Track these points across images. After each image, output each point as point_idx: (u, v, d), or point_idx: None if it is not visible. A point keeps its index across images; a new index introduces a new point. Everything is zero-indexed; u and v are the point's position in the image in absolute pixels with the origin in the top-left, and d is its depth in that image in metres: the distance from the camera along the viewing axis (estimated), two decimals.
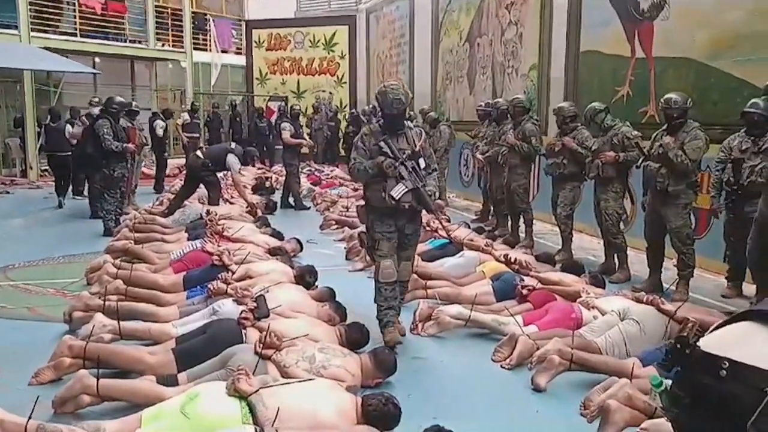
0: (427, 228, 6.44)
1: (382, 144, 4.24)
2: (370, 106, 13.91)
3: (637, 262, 6.37)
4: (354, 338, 4.10)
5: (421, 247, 6.04)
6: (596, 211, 6.51)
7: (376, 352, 3.77)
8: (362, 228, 4.92)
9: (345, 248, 7.28)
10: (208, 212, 7.41)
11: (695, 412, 1.53)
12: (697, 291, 5.79)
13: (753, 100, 5.35)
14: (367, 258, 5.61)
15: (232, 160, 8.67)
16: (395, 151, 4.22)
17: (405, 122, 4.43)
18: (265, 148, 18.23)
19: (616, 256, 6.47)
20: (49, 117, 11.58)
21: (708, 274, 6.35)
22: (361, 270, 6.51)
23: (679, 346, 1.49)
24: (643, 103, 7.54)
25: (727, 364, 1.41)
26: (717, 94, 6.48)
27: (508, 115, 7.92)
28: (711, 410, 1.48)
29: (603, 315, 4.35)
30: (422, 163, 4.31)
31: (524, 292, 4.95)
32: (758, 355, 1.40)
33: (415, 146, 4.31)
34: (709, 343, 1.49)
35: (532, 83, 10.06)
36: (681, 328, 1.77)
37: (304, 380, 3.18)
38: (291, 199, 10.88)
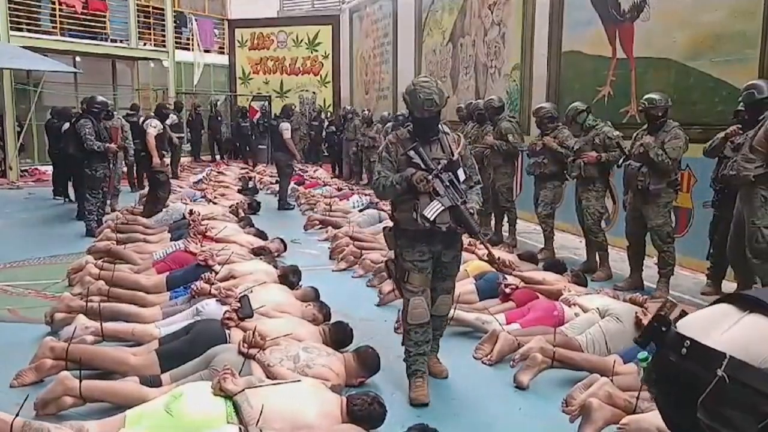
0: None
1: (411, 153, 3.54)
2: (389, 113, 13.45)
3: (619, 260, 6.44)
4: (338, 337, 4.11)
5: None
6: (578, 210, 6.57)
7: (359, 351, 3.78)
8: (389, 254, 4.10)
9: (329, 248, 7.29)
10: (191, 212, 7.39)
11: (661, 388, 1.59)
12: (678, 289, 5.87)
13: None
14: (395, 291, 4.55)
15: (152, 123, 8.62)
16: (428, 161, 3.52)
17: (440, 126, 3.67)
18: (248, 148, 18.21)
19: (597, 254, 6.53)
20: (50, 116, 11.48)
21: (688, 272, 6.43)
22: (344, 269, 6.53)
23: (656, 324, 1.55)
24: (624, 102, 7.62)
25: (689, 343, 1.47)
26: (696, 94, 6.57)
27: (486, 116, 7.98)
28: (672, 387, 1.54)
29: (585, 312, 4.39)
30: (461, 174, 3.59)
31: (507, 290, 4.99)
32: (720, 337, 1.45)
33: (453, 155, 3.59)
34: (683, 324, 1.55)
35: (515, 83, 10.12)
36: (660, 307, 1.81)
37: (290, 381, 3.19)
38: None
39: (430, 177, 3.47)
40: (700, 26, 6.55)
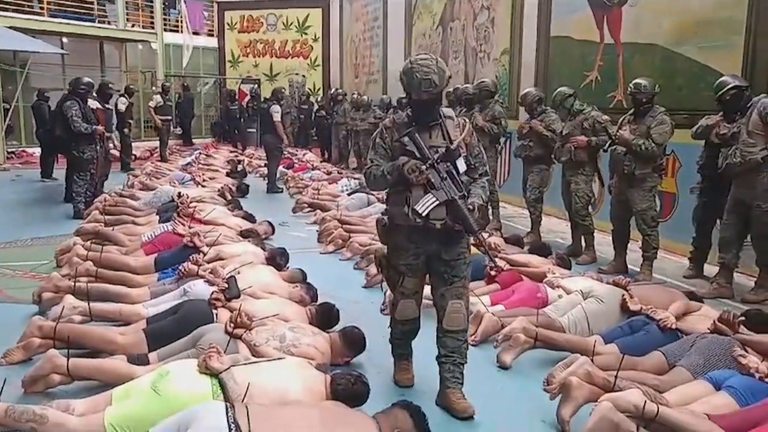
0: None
1: (405, 140, 3.18)
2: (388, 97, 13.09)
3: (604, 243, 6.51)
4: (324, 318, 4.16)
5: None
6: (565, 193, 6.63)
7: (345, 331, 3.83)
8: (378, 246, 3.71)
9: (317, 231, 7.33)
10: (179, 195, 7.39)
11: None
12: (661, 272, 5.96)
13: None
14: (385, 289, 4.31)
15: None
16: (424, 149, 3.14)
17: (441, 110, 3.29)
18: (237, 132, 18.16)
19: (583, 238, 6.60)
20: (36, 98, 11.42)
21: (671, 255, 6.52)
22: (332, 252, 6.58)
23: None
24: (611, 87, 7.67)
25: None
26: (682, 80, 6.63)
27: (476, 100, 7.99)
28: None
29: (568, 294, 4.46)
30: (461, 165, 3.19)
31: (492, 273, 5.04)
32: None
33: (451, 141, 3.21)
34: None
35: (504, 68, 10.14)
36: None
37: (275, 359, 3.24)
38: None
39: (425, 167, 3.09)
40: (687, 12, 6.59)
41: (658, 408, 2.71)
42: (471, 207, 3.14)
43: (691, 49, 6.54)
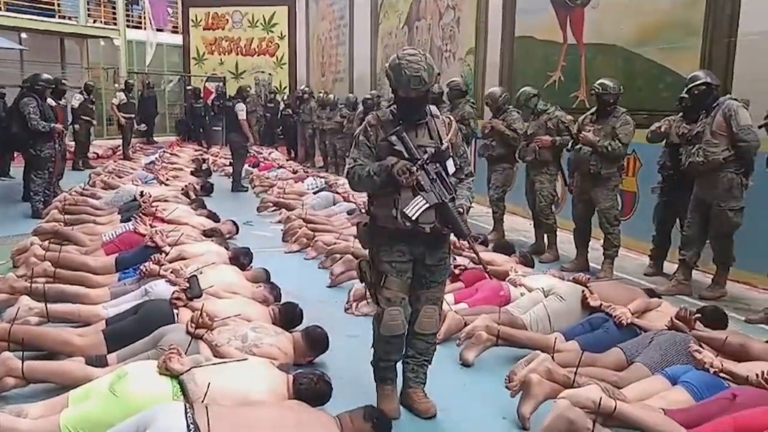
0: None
1: (393, 139, 3.02)
2: (354, 96, 12.72)
3: (566, 242, 6.59)
4: (288, 317, 4.14)
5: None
6: (529, 192, 6.70)
7: (308, 330, 3.82)
8: (354, 243, 3.68)
9: (282, 230, 7.29)
10: (141, 194, 7.29)
11: None
12: (621, 270, 6.05)
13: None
14: (368, 299, 4.02)
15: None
16: (412, 149, 3.01)
17: (429, 108, 3.17)
18: (202, 130, 17.97)
19: (546, 236, 6.68)
20: None
21: (632, 253, 6.64)
22: (296, 251, 6.56)
23: None
24: (574, 87, 7.78)
25: None
26: (642, 81, 6.75)
27: (445, 99, 8.02)
28: None
29: (530, 292, 4.51)
30: (451, 166, 3.09)
31: (456, 271, 5.07)
32: None
33: (442, 142, 3.09)
34: None
35: (469, 67, 10.20)
36: None
37: (237, 360, 3.21)
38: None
39: (414, 168, 2.95)
40: (647, 14, 6.71)
41: (615, 403, 2.75)
42: (460, 210, 3.05)
43: (650, 50, 6.67)
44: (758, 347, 3.48)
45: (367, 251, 3.31)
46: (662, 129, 5.65)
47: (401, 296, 3.15)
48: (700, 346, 3.44)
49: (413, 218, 2.99)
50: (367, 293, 3.46)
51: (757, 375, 2.85)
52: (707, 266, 5.65)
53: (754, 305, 5.12)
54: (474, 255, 5.28)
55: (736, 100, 5.03)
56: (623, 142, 5.65)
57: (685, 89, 5.35)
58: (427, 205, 2.99)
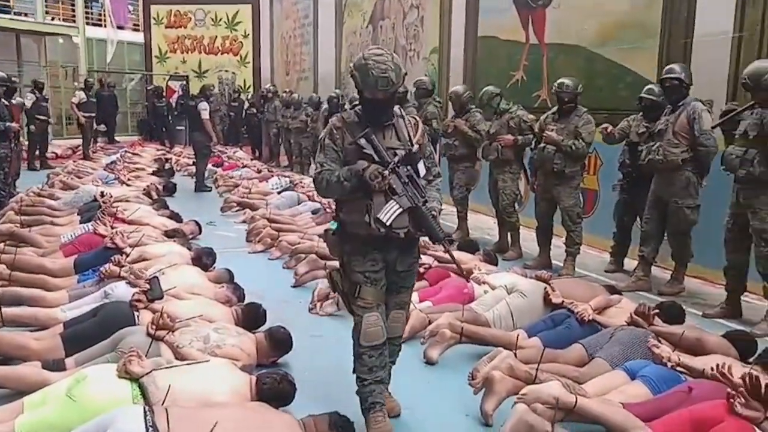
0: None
1: (362, 142, 2.90)
2: (317, 95, 12.73)
3: (529, 239, 6.66)
4: (251, 318, 4.11)
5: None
6: (492, 191, 6.75)
7: (271, 330, 3.79)
8: (316, 242, 3.53)
9: (245, 230, 7.23)
10: (102, 194, 7.18)
11: None
12: (583, 267, 6.14)
13: (649, 86, 5.68)
14: (339, 304, 3.78)
15: None
16: (382, 152, 2.89)
17: (395, 109, 3.04)
18: (164, 129, 17.74)
19: (509, 234, 6.74)
20: None
21: (593, 250, 6.73)
22: (261, 252, 6.51)
23: None
24: (536, 87, 7.86)
25: None
26: (602, 80, 6.85)
27: (411, 98, 8.02)
28: None
29: (493, 290, 4.54)
30: (422, 168, 3.01)
31: (420, 270, 5.08)
32: None
33: (411, 143, 2.99)
34: None
35: (433, 67, 10.24)
36: None
37: (199, 361, 3.18)
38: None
39: (387, 172, 2.83)
40: (606, 15, 6.82)
41: (576, 399, 2.79)
42: (434, 213, 2.96)
43: (611, 50, 6.77)
44: (714, 341, 3.57)
45: (336, 259, 3.18)
46: (609, 130, 5.75)
47: (377, 303, 3.04)
48: (659, 340, 3.52)
49: (387, 224, 2.87)
50: (340, 302, 3.30)
51: (711, 368, 2.91)
52: (666, 262, 5.77)
53: (710, 300, 5.24)
54: (440, 254, 5.38)
55: (701, 102, 5.13)
56: (586, 141, 5.74)
57: (659, 79, 5.41)
58: (401, 210, 2.89)
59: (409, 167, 2.93)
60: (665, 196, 5.29)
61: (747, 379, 2.55)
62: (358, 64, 2.87)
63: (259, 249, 6.57)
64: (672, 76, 5.21)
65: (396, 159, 2.90)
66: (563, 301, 4.18)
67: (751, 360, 3.39)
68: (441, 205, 3.11)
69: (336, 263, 3.22)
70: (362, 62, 2.85)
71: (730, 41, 5.45)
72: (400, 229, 2.92)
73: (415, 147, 2.98)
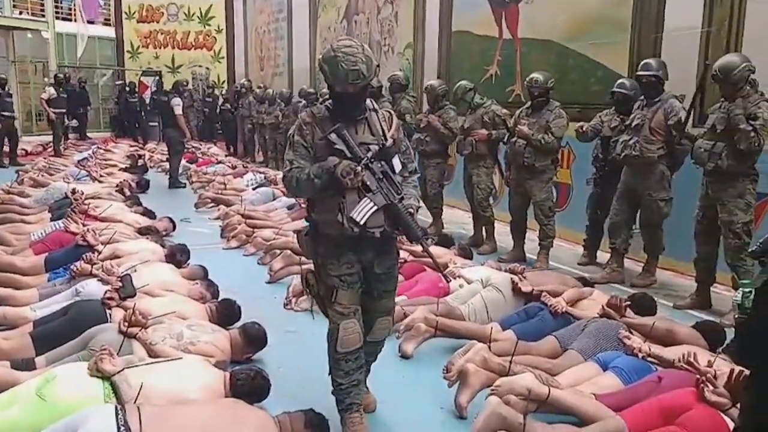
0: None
1: (333, 138, 2.76)
2: (287, 91, 12.78)
3: (504, 233, 6.70)
4: (225, 314, 4.08)
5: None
6: (467, 185, 6.77)
7: (245, 327, 3.78)
8: (294, 244, 3.35)
9: (220, 226, 7.18)
10: (73, 191, 7.07)
11: None
12: (557, 260, 6.20)
13: (621, 80, 5.74)
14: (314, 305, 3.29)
15: None
16: (354, 147, 2.75)
17: (367, 102, 2.90)
18: (137, 125, 17.56)
19: (484, 228, 6.78)
20: None
21: (566, 243, 6.80)
22: (235, 248, 6.48)
23: None
24: (510, 82, 7.90)
25: None
26: (575, 75, 6.91)
27: (385, 93, 8.03)
28: None
29: (468, 284, 4.56)
30: (397, 163, 2.86)
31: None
32: None
33: (386, 138, 2.85)
34: None
35: (408, 62, 10.24)
36: None
37: (172, 359, 3.16)
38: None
39: (359, 168, 2.70)
40: (579, 10, 6.87)
41: (548, 390, 2.82)
42: (411, 210, 2.82)
43: (583, 45, 6.83)
44: (684, 332, 3.63)
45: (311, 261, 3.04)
46: (584, 128, 5.80)
47: (354, 307, 2.91)
48: (630, 332, 3.57)
49: (361, 223, 2.74)
50: (314, 304, 3.18)
51: (680, 357, 2.96)
52: (638, 255, 5.84)
53: (681, 291, 5.32)
54: (415, 249, 5.38)
55: (676, 97, 5.19)
56: (556, 136, 5.78)
57: (635, 75, 5.45)
58: (376, 208, 2.75)
59: (383, 163, 2.80)
60: (639, 189, 5.35)
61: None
62: (327, 56, 2.72)
63: (233, 245, 6.54)
64: (649, 73, 5.24)
65: (369, 154, 2.76)
66: (533, 290, 4.22)
67: (719, 350, 3.45)
68: (419, 202, 2.97)
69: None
70: (331, 54, 2.70)
71: (699, 36, 5.53)
72: (376, 228, 2.78)
73: (389, 141, 2.83)
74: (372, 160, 2.76)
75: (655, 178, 5.25)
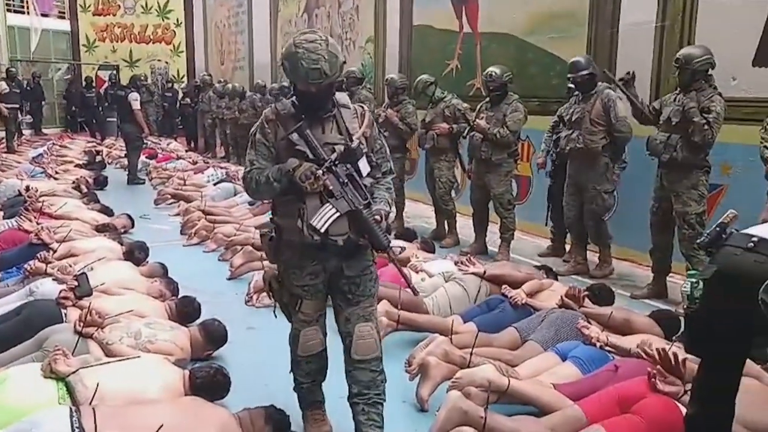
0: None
1: (294, 137, 2.57)
2: (239, 86, 12.64)
3: (466, 227, 6.74)
4: (185, 312, 4.02)
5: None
6: (429, 179, 6.80)
7: (205, 324, 3.74)
8: (255, 240, 3.21)
9: (180, 222, 7.09)
10: (27, 188, 6.91)
11: (717, 286, 1.97)
12: (518, 252, 6.26)
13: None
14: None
15: None
16: (317, 148, 2.56)
17: (335, 98, 2.68)
18: (94, 121, 17.22)
19: (446, 222, 6.82)
20: None
21: (527, 236, 6.87)
22: (196, 244, 6.41)
23: (718, 229, 2.07)
24: (470, 76, 7.94)
25: (757, 239, 1.93)
26: (534, 68, 6.97)
27: (344, 87, 7.99)
28: (732, 282, 1.91)
29: (430, 278, 4.58)
30: (364, 166, 2.63)
31: None
32: None
33: (351, 138, 2.63)
34: (748, 229, 2.02)
35: (369, 56, 10.22)
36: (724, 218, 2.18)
37: (129, 358, 3.11)
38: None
39: (320, 172, 2.50)
40: (537, 4, 6.94)
41: (508, 381, 2.85)
42: (378, 217, 2.59)
43: (542, 39, 6.89)
44: (640, 321, 3.70)
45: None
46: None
47: (318, 314, 2.81)
48: (588, 322, 3.62)
49: (322, 230, 2.54)
50: (277, 307, 3.01)
51: (636, 346, 3.02)
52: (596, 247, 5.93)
53: (638, 282, 5.42)
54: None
55: (610, 89, 5.27)
56: (511, 130, 5.81)
57: (569, 76, 5.52)
58: (338, 214, 2.55)
59: (348, 165, 2.58)
60: (583, 181, 5.43)
61: (661, 354, 2.67)
62: (288, 52, 2.52)
63: (193, 242, 6.46)
64: (584, 72, 5.33)
65: (333, 156, 2.55)
66: (485, 271, 4.37)
67: (674, 338, 3.53)
68: (390, 207, 2.76)
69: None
70: (292, 50, 2.49)
71: (654, 30, 5.62)
72: (339, 236, 2.57)
73: (355, 142, 2.61)
74: (336, 162, 2.56)
75: (600, 170, 5.34)
